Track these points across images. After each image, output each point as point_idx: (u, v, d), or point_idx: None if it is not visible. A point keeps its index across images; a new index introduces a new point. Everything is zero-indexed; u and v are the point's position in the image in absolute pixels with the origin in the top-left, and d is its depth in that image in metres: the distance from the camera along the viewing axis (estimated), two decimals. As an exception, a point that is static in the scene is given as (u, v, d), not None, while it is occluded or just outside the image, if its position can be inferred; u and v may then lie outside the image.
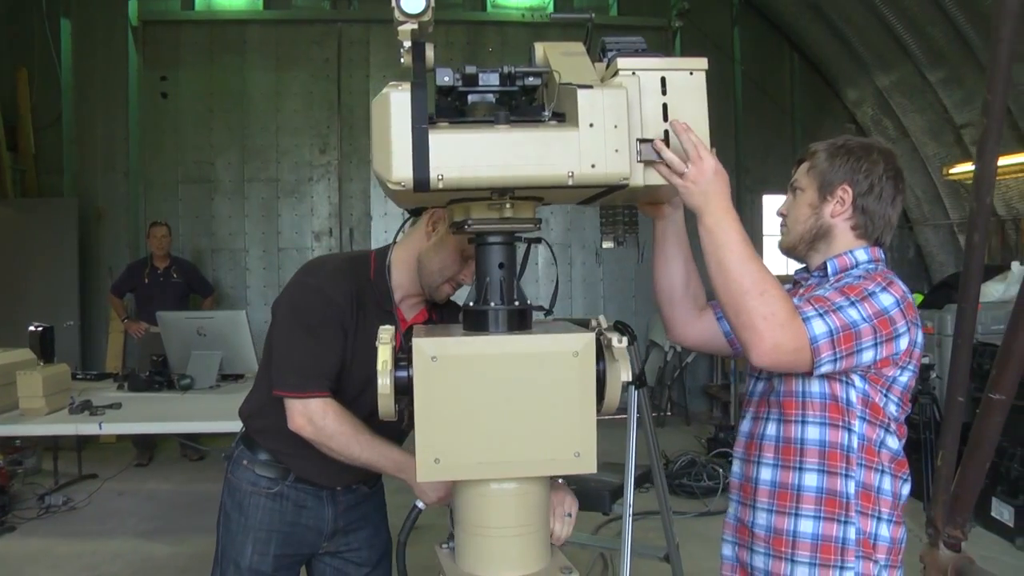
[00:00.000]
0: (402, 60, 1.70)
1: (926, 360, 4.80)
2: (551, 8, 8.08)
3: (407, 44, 1.66)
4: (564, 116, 1.51)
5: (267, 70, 7.50)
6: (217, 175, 7.48)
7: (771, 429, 1.68)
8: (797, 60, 8.30)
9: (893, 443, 1.61)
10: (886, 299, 1.52)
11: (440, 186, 1.37)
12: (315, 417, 1.85)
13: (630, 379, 1.64)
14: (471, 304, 1.65)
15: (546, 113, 1.51)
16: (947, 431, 3.11)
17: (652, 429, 2.53)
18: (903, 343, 1.54)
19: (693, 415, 8.01)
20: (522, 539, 1.60)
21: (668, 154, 1.47)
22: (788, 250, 1.79)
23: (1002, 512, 4.34)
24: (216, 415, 4.05)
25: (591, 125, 1.43)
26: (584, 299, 8.11)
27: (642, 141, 1.49)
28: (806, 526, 1.60)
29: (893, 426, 1.61)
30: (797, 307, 1.47)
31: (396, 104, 1.37)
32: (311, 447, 1.91)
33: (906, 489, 1.65)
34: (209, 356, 4.88)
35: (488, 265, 1.64)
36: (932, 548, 3.59)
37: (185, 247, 7.30)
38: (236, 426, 3.88)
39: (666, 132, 1.50)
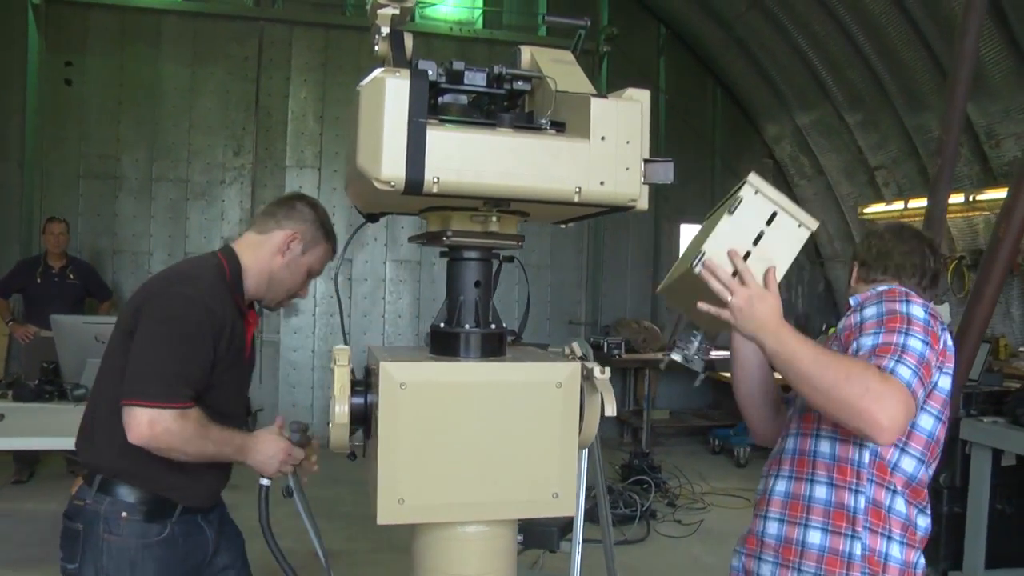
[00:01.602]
0: (376, 48, 1.54)
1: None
2: (479, 24, 7.99)
3: (384, 31, 1.51)
4: (564, 126, 1.38)
5: (182, 64, 7.11)
6: (123, 171, 7.01)
7: (789, 444, 1.74)
8: (720, 93, 8.48)
9: (908, 465, 1.61)
10: (918, 311, 1.58)
11: (434, 190, 1.21)
12: (175, 425, 1.73)
13: (615, 413, 1.52)
14: (441, 324, 1.49)
15: (543, 121, 1.37)
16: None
17: (600, 459, 2.41)
18: (940, 344, 1.60)
19: (604, 441, 7.97)
20: (493, 586, 1.45)
21: (714, 282, 1.49)
22: None
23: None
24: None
25: (603, 138, 1.30)
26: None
27: (648, 161, 1.37)
28: (814, 537, 1.62)
29: (913, 447, 1.62)
30: (875, 363, 1.48)
31: (392, 91, 1.20)
32: (195, 467, 1.86)
33: (923, 521, 1.66)
34: (106, 365, 4.52)
35: (463, 283, 1.48)
36: None
37: (83, 246, 6.80)
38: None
39: (747, 254, 1.50)
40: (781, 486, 1.71)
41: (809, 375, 1.44)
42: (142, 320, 1.79)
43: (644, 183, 1.36)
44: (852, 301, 1.80)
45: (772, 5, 6.90)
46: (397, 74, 1.22)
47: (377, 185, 1.21)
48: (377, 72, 1.24)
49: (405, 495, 1.34)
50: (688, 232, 8.72)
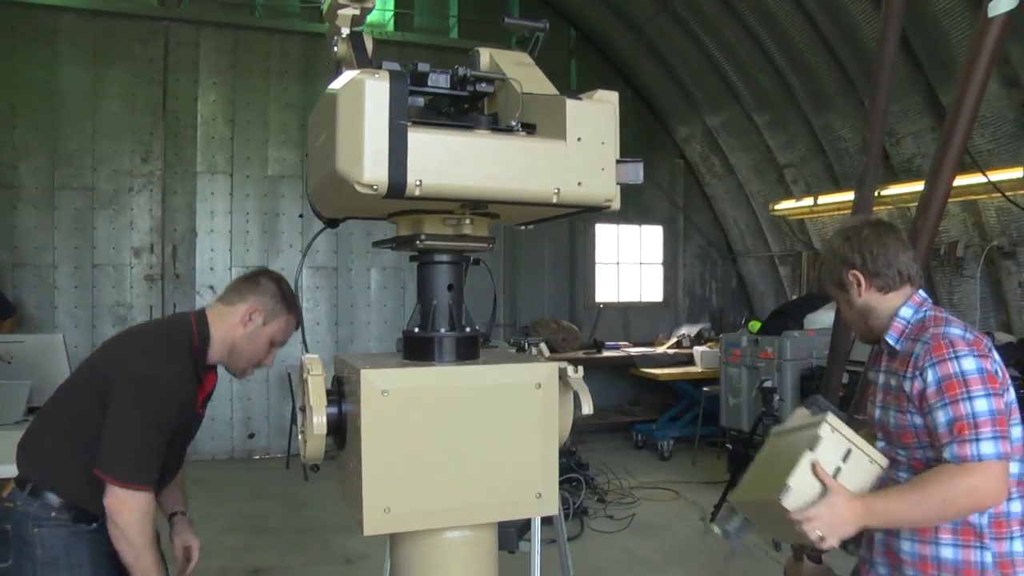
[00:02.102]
0: (336, 49, 1.52)
1: (769, 383, 5.07)
2: (390, 27, 7.92)
3: (344, 31, 1.48)
4: (534, 128, 1.38)
5: (83, 66, 6.77)
6: (21, 180, 6.61)
7: (903, 475, 1.80)
8: (631, 95, 8.64)
9: (1016, 468, 1.72)
10: (969, 363, 1.66)
11: (417, 192, 1.19)
12: (134, 512, 1.89)
13: (591, 411, 1.53)
14: (416, 330, 1.47)
15: (513, 123, 1.37)
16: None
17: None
18: (999, 370, 1.71)
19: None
20: (476, 593, 1.44)
21: (799, 517, 1.62)
22: (866, 342, 2.00)
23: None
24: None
25: (579, 139, 1.31)
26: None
27: (620, 162, 1.38)
28: (947, 552, 1.73)
29: (1017, 454, 1.73)
30: (961, 456, 1.60)
31: (371, 93, 1.18)
32: None
33: None
34: (16, 387, 4.25)
35: (435, 287, 1.47)
36: (796, 561, 3.75)
37: (-22, 261, 6.41)
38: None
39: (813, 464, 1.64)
40: None
41: (916, 520, 1.66)
42: (118, 396, 1.91)
43: (616, 183, 1.38)
44: (891, 340, 1.83)
45: (681, 10, 7.10)
46: (376, 76, 1.20)
47: (359, 188, 1.18)
48: (354, 74, 1.22)
49: (391, 504, 1.32)
50: (603, 233, 8.86)
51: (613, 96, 1.39)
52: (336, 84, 1.26)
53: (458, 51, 7.71)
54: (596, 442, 7.77)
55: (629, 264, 8.93)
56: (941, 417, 1.66)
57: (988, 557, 1.70)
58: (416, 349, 1.45)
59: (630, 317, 8.85)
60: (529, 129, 1.37)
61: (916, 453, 1.77)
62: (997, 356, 1.74)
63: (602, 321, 8.50)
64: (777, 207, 7.25)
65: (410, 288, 7.88)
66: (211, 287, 7.20)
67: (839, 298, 1.95)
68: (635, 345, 8.37)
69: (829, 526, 1.60)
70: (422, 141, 1.21)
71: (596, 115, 1.35)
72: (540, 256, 8.50)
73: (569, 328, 8.10)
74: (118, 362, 1.99)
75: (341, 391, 1.43)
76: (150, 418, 1.92)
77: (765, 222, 8.02)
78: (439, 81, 1.44)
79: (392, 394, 1.31)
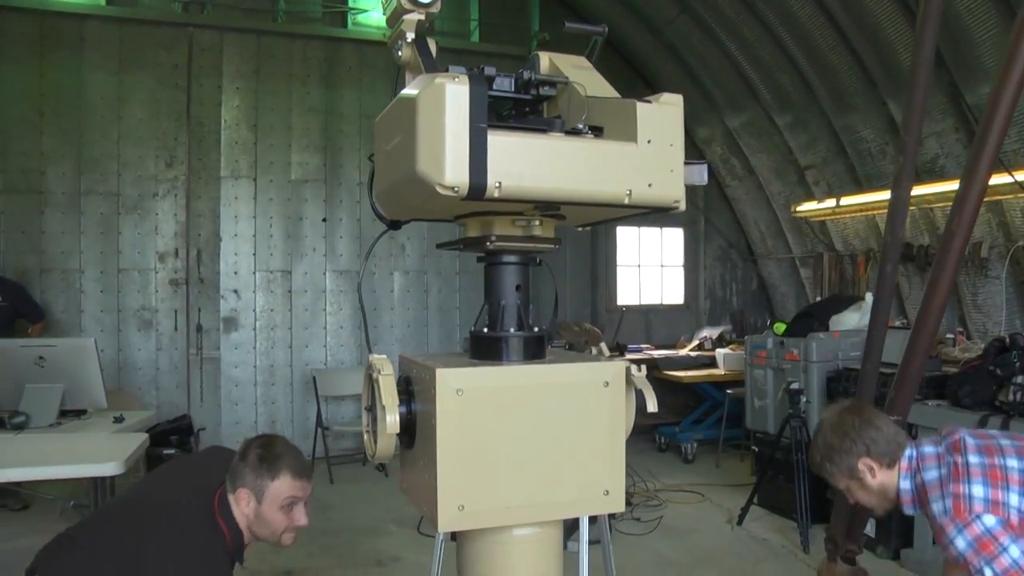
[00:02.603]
0: (400, 54, 1.54)
1: (795, 385, 5.07)
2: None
3: (410, 36, 1.50)
4: (602, 131, 1.40)
5: (108, 72, 6.83)
6: (48, 186, 6.68)
7: None
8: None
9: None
10: (966, 489, 1.90)
11: (496, 194, 1.22)
12: None
13: (656, 408, 1.55)
14: (484, 330, 1.49)
15: (581, 126, 1.39)
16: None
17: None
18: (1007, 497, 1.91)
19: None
20: (545, 589, 1.46)
21: None
22: (883, 513, 2.28)
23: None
24: (57, 458, 3.54)
25: (649, 142, 1.33)
26: (440, 327, 7.96)
27: (687, 163, 1.41)
28: None
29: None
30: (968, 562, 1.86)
31: (452, 97, 1.20)
32: None
33: None
34: (49, 390, 4.32)
35: (504, 287, 1.49)
36: (830, 563, 3.78)
37: (7, 266, 6.46)
38: (81, 471, 3.43)
39: None
40: None
41: None
42: None
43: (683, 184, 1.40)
44: (911, 512, 2.13)
45: (702, 11, 7.11)
46: (456, 79, 1.22)
47: (440, 191, 1.21)
48: (433, 78, 1.24)
49: (465, 501, 1.34)
50: (624, 235, 8.87)
51: (678, 99, 1.42)
52: (413, 89, 1.29)
53: (480, 55, 7.74)
54: (617, 444, 7.77)
55: (650, 267, 8.94)
56: (960, 544, 1.90)
57: None
58: (485, 349, 1.47)
59: (651, 320, 8.85)
60: (597, 132, 1.40)
61: None
62: (1010, 455, 1.97)
63: (624, 324, 8.51)
64: (799, 208, 7.24)
65: (433, 291, 7.91)
66: (235, 291, 7.26)
67: (851, 487, 2.14)
68: (657, 348, 8.37)
69: None
70: (501, 143, 1.23)
71: (665, 118, 1.38)
72: (562, 259, 8.51)
73: (592, 331, 8.04)
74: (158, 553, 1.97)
75: (409, 391, 1.46)
76: None
77: (786, 223, 8.01)
78: (504, 85, 1.47)
79: (466, 393, 1.33)
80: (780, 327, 5.66)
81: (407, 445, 1.49)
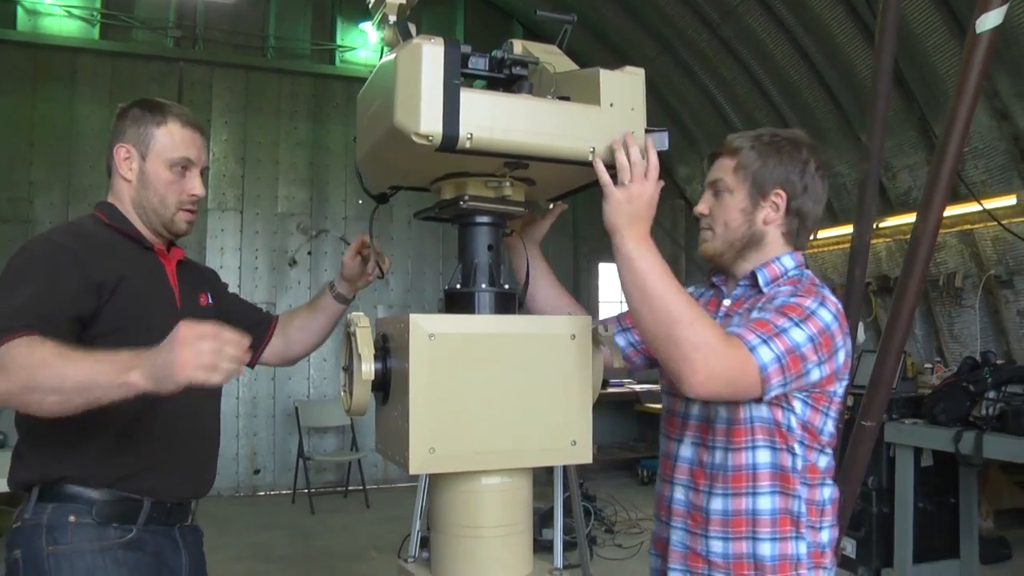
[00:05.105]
0: (382, 36, 1.62)
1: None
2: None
3: (392, 19, 1.59)
4: (569, 99, 1.49)
5: (99, 104, 6.94)
6: (36, 215, 6.73)
7: (719, 458, 1.62)
8: (632, 137, 8.84)
9: (824, 461, 1.62)
10: (826, 315, 1.50)
11: (467, 145, 1.31)
12: (9, 356, 1.38)
13: (622, 365, 1.61)
14: (457, 286, 1.56)
15: (550, 95, 1.48)
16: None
17: (576, 483, 2.48)
18: (842, 356, 1.54)
19: (536, 478, 8.00)
20: (515, 538, 1.49)
21: (633, 153, 1.40)
22: (713, 256, 1.70)
23: (845, 546, 4.63)
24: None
25: (611, 104, 1.43)
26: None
27: (648, 131, 1.49)
28: (764, 549, 1.56)
29: (827, 447, 1.62)
30: (739, 334, 1.43)
31: (428, 56, 1.30)
32: (164, 450, 1.68)
33: (836, 492, 1.67)
34: None
35: (477, 247, 1.56)
36: None
37: (-9, 292, 6.47)
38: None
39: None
40: (718, 504, 1.61)
41: (655, 296, 1.38)
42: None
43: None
44: (762, 279, 1.64)
45: (681, 50, 7.33)
46: (432, 41, 1.32)
47: (415, 139, 1.29)
48: (413, 40, 1.33)
49: (436, 444, 1.38)
50: (606, 272, 9.01)
51: (640, 71, 1.51)
52: (392, 54, 1.38)
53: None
54: (602, 479, 7.75)
55: (631, 302, 9.02)
56: (754, 315, 1.51)
57: (803, 548, 1.58)
58: (458, 303, 1.53)
59: (633, 354, 8.90)
60: (564, 99, 1.49)
61: None
62: (850, 346, 1.59)
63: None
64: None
65: (426, 273, 7.94)
66: (219, 321, 7.27)
67: (726, 198, 1.64)
68: (639, 382, 8.42)
69: (638, 192, 1.41)
70: (473, 99, 1.32)
71: (627, 84, 1.47)
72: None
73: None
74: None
75: (386, 347, 1.51)
76: (19, 269, 1.56)
77: (765, 259, 8.13)
78: (478, 64, 1.55)
79: (438, 338, 1.39)
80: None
81: (382, 401, 1.54)
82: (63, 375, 1.36)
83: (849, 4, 5.75)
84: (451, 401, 1.40)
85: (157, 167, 1.74)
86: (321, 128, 7.69)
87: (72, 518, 1.57)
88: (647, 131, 1.49)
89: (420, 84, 1.30)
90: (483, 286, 1.52)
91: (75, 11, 6.92)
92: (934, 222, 2.62)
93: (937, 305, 6.24)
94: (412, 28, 1.66)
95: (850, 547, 4.63)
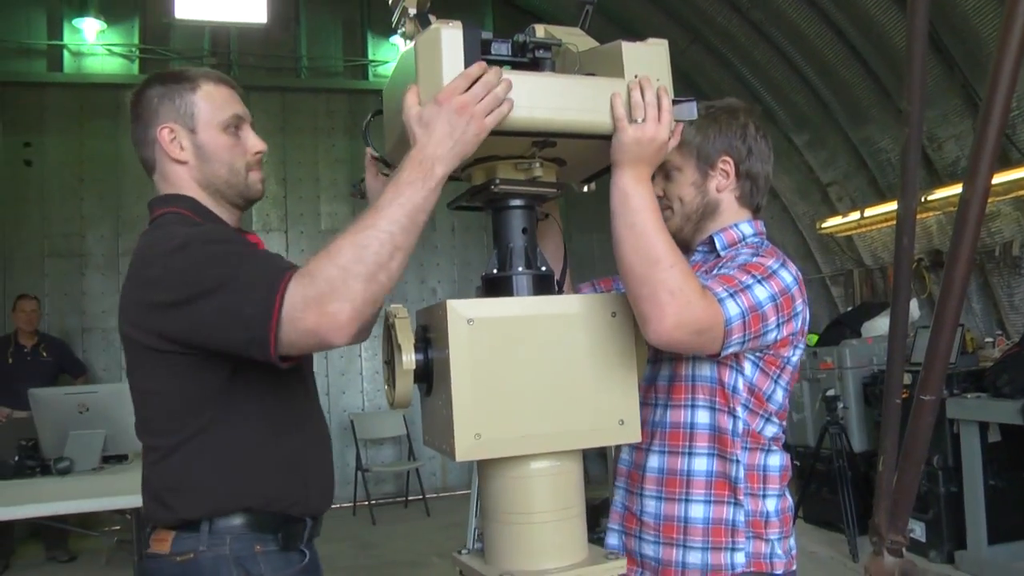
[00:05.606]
0: (403, 30, 1.63)
1: (831, 392, 5.01)
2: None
3: (412, 11, 1.59)
4: (594, 75, 1.48)
5: (143, 137, 7.14)
6: (88, 248, 6.95)
7: (657, 415, 1.63)
8: (669, 129, 8.78)
9: (771, 430, 1.60)
10: (787, 276, 1.52)
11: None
12: (305, 274, 1.27)
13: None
14: (494, 271, 1.55)
15: (575, 73, 1.48)
16: (886, 437, 3.22)
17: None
18: (799, 321, 1.54)
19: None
20: (567, 523, 1.47)
21: (648, 94, 1.38)
22: (676, 234, 1.66)
23: (913, 528, 4.50)
24: (100, 494, 3.63)
25: (635, 76, 1.41)
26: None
27: (675, 101, 1.47)
28: (696, 511, 1.56)
29: (775, 416, 1.60)
30: (708, 286, 1.43)
31: (447, 39, 1.31)
32: (313, 464, 1.61)
33: (786, 460, 1.64)
34: (91, 436, 4.44)
35: (511, 230, 1.55)
36: (876, 556, 3.67)
37: (51, 327, 6.68)
38: (124, 502, 3.50)
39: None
40: (655, 462, 1.61)
41: (642, 233, 1.37)
42: (175, 288, 1.36)
43: (674, 120, 1.46)
44: (719, 243, 1.65)
45: (712, 38, 7.25)
46: (450, 24, 1.32)
47: None
48: (432, 25, 1.34)
49: (481, 430, 1.38)
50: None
51: (664, 41, 1.49)
52: (408, 45, 1.39)
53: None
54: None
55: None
56: (716, 272, 1.52)
57: (741, 515, 1.55)
58: (495, 288, 1.52)
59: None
60: (589, 75, 1.47)
61: None
62: (808, 316, 1.60)
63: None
64: (824, 225, 7.23)
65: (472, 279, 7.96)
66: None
67: (676, 176, 1.68)
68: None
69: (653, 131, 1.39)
70: (494, 78, 1.31)
71: (650, 55, 1.45)
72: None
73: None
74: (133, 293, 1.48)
75: (427, 338, 1.50)
76: (213, 251, 1.39)
77: (813, 243, 7.98)
78: (500, 49, 1.54)
79: (477, 322, 1.38)
80: (812, 338, 5.63)
81: (425, 393, 1.54)
82: (389, 232, 1.27)
83: (881, -25, 5.64)
84: (494, 386, 1.39)
85: (212, 134, 1.56)
86: (358, 143, 7.76)
87: (258, 548, 1.49)
88: (674, 102, 1.47)
89: (441, 67, 1.30)
90: (520, 269, 1.51)
91: (116, 49, 7.13)
92: (983, 185, 2.54)
93: (995, 276, 6.03)
94: (432, 18, 1.67)
95: (919, 529, 4.50)
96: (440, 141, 1.28)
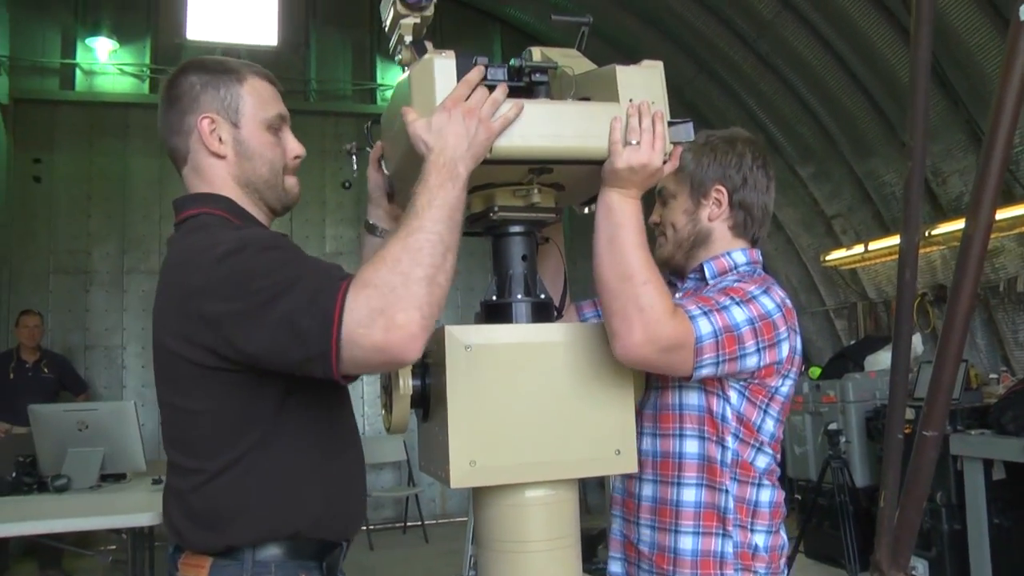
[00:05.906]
0: (399, 57, 1.64)
1: (834, 426, 4.97)
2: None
3: (408, 39, 1.60)
4: (589, 99, 1.48)
5: (150, 155, 7.19)
6: (93, 265, 6.98)
7: (647, 444, 1.62)
8: (675, 159, 8.82)
9: (763, 461, 1.59)
10: (768, 302, 1.50)
11: (488, 156, 1.31)
12: (363, 285, 1.19)
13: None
14: (493, 298, 1.55)
15: (570, 98, 1.48)
16: (888, 472, 3.18)
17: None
18: (785, 349, 1.52)
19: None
20: (562, 552, 1.46)
21: (645, 120, 1.37)
22: (667, 260, 1.72)
23: (916, 566, 4.45)
24: (97, 512, 3.61)
25: (631, 100, 1.41)
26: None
27: (671, 123, 1.47)
28: (685, 543, 1.55)
29: (767, 447, 1.59)
30: (680, 304, 1.42)
31: (440, 70, 1.32)
32: (353, 486, 1.55)
33: (779, 496, 1.63)
34: (89, 453, 4.42)
35: (511, 257, 1.55)
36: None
37: (54, 343, 6.69)
38: (122, 521, 3.48)
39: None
40: (648, 491, 1.62)
41: (619, 248, 1.37)
42: (222, 295, 1.26)
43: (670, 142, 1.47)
44: (708, 272, 1.65)
45: (720, 69, 7.30)
46: (443, 55, 1.34)
47: None
48: (425, 56, 1.35)
49: (476, 457, 1.37)
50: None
51: (659, 63, 1.50)
52: (402, 76, 1.40)
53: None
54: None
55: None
56: (701, 293, 1.53)
57: (729, 546, 1.54)
58: (493, 314, 1.52)
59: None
60: (584, 100, 1.48)
61: None
62: (800, 346, 1.59)
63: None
64: (828, 257, 7.23)
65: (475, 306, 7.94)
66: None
67: (671, 203, 1.68)
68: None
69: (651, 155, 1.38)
70: (490, 108, 1.32)
71: (645, 77, 1.45)
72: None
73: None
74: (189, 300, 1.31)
75: (425, 363, 1.50)
76: (268, 257, 1.29)
77: (817, 276, 7.97)
78: (497, 75, 1.54)
79: (475, 349, 1.38)
80: (815, 371, 5.60)
81: (423, 418, 1.53)
82: (437, 232, 1.23)
83: (886, 8, 5.67)
84: (490, 413, 1.39)
85: (255, 131, 1.47)
86: (366, 167, 7.81)
87: (303, 575, 1.43)
88: (670, 123, 1.47)
89: (434, 97, 1.31)
90: (519, 296, 1.51)
91: (127, 68, 7.21)
92: (986, 220, 2.53)
93: (999, 312, 6.02)
94: (429, 46, 1.68)
95: (922, 567, 4.44)
96: (457, 143, 1.28)
